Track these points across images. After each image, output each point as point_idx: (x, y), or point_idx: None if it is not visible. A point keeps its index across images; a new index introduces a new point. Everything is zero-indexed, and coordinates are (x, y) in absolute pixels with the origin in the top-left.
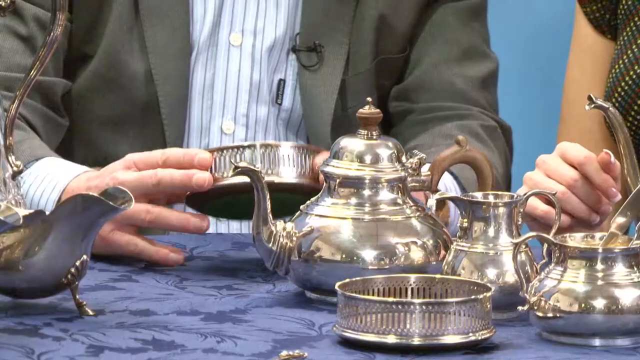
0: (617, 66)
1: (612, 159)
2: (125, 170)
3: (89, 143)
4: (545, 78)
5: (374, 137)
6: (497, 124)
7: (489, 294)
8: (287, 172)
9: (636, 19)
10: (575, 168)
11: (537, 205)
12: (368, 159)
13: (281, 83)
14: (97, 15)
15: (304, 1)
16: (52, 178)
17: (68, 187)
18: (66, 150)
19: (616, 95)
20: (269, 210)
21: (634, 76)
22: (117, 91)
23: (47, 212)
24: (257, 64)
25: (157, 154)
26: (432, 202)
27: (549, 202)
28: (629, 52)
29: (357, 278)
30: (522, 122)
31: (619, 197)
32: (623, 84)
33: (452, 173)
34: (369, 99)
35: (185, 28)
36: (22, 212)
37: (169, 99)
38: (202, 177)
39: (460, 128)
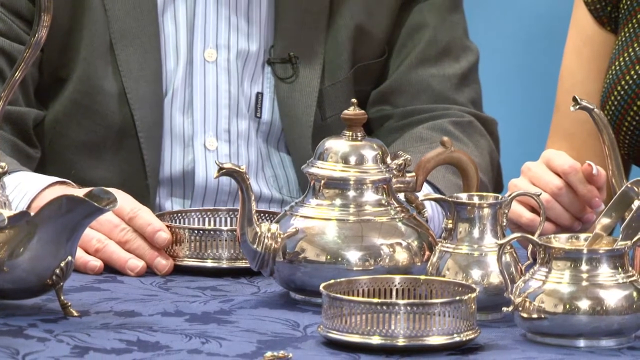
0: (617, 63)
1: (595, 170)
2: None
3: (64, 168)
4: (537, 75)
5: (359, 139)
6: (472, 118)
7: (473, 295)
8: None
9: (638, 16)
10: (560, 176)
11: (522, 213)
12: (353, 160)
13: (259, 96)
14: (67, 40)
15: (277, 13)
16: (22, 188)
17: (41, 195)
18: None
19: (615, 94)
20: (253, 211)
21: (635, 76)
22: (92, 116)
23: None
24: (234, 78)
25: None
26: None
27: (533, 210)
28: (630, 50)
29: (342, 279)
30: (515, 120)
31: (602, 207)
32: (623, 82)
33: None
34: (353, 100)
35: (156, 49)
36: (7, 213)
37: (145, 121)
38: (134, 264)
39: (431, 128)
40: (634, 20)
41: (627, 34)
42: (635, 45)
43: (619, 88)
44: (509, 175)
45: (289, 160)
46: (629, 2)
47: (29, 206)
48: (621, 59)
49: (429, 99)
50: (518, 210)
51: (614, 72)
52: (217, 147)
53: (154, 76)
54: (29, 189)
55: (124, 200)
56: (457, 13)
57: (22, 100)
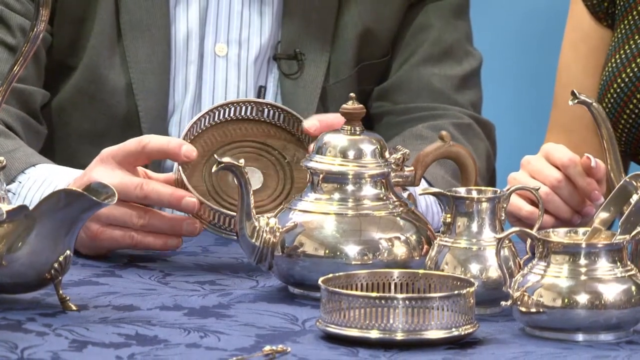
0: (613, 60)
1: (593, 162)
2: (107, 170)
3: (68, 157)
4: (534, 73)
5: (358, 133)
6: (471, 121)
7: (472, 289)
8: None
9: (634, 12)
10: (559, 169)
11: (522, 206)
12: (351, 154)
13: (262, 90)
14: (79, 29)
15: (285, 9)
16: (52, 181)
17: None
18: None
19: (612, 91)
20: (252, 205)
21: (631, 74)
22: (97, 105)
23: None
24: (244, 73)
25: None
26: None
27: (533, 203)
28: (627, 47)
29: (341, 273)
30: (510, 119)
31: (602, 200)
32: (620, 80)
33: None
34: (352, 94)
35: (166, 42)
36: (5, 207)
37: (149, 113)
38: (191, 202)
39: (431, 128)
40: (630, 17)
41: (625, 30)
42: (632, 41)
43: (616, 84)
44: (504, 176)
45: None
46: None
47: None
48: (619, 54)
49: (429, 97)
50: (518, 203)
51: (611, 67)
52: None
53: (161, 69)
54: (59, 181)
55: (124, 178)
56: (462, 19)
57: (34, 77)
